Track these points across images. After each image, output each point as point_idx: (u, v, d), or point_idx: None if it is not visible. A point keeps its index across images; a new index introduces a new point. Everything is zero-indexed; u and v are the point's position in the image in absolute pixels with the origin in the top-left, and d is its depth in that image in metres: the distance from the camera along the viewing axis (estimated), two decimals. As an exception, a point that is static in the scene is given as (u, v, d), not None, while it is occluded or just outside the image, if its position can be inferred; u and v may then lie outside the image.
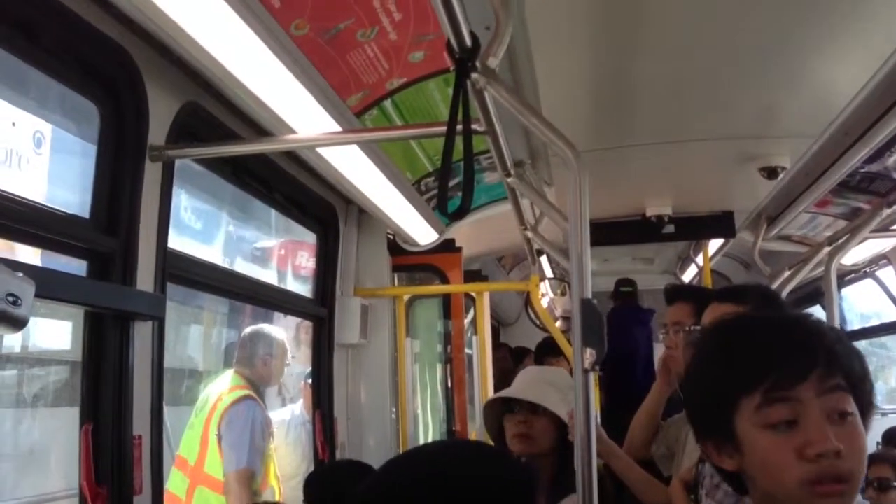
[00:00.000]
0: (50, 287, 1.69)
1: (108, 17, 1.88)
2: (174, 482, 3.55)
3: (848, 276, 5.26)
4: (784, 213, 3.99)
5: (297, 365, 4.59)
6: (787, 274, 4.05)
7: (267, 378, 3.92)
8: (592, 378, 1.60)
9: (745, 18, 2.18)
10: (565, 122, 2.13)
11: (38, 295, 1.49)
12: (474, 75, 1.68)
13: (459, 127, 1.70)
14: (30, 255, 2.02)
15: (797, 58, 2.39)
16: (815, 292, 5.08)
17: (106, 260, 2.00)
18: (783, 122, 2.94)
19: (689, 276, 6.59)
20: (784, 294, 3.93)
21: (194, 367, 5.41)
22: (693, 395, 1.23)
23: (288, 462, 4.12)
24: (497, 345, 6.90)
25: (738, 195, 3.96)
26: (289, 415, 4.41)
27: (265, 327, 4.03)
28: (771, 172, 3.31)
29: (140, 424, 2.04)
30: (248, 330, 4.03)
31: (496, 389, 4.95)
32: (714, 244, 5.16)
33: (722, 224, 4.29)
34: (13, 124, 2.03)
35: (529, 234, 3.45)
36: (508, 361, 6.63)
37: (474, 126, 1.90)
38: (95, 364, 1.99)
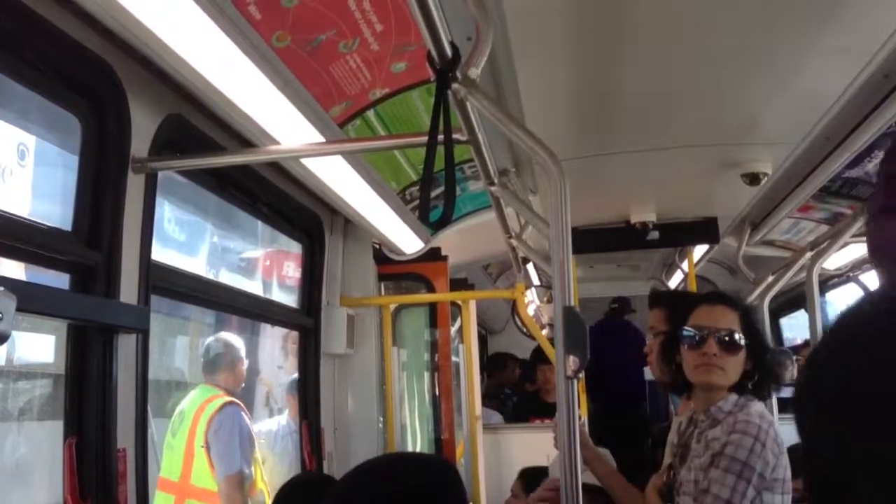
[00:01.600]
0: (32, 301, 1.68)
1: (90, 31, 1.88)
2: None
3: (832, 281, 5.30)
4: (767, 218, 4.02)
5: (285, 375, 4.59)
6: (770, 279, 4.08)
7: (239, 383, 3.98)
8: (576, 384, 1.61)
9: (726, 27, 2.20)
10: (548, 131, 2.15)
11: (19, 309, 1.48)
12: (455, 85, 1.69)
13: (441, 137, 1.71)
14: (14, 268, 2.01)
15: (778, 65, 2.41)
16: (800, 297, 5.12)
17: (89, 273, 2.00)
18: (764, 128, 2.97)
19: (674, 281, 6.61)
20: (768, 298, 3.96)
21: (181, 378, 5.38)
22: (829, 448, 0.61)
23: (275, 472, 4.12)
24: (504, 358, 6.84)
25: (722, 201, 3.99)
26: (276, 426, 4.42)
27: (224, 336, 4.07)
28: (753, 179, 3.34)
29: (124, 437, 2.03)
30: (209, 342, 4.06)
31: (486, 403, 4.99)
32: (699, 250, 5.19)
33: (706, 230, 4.31)
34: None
35: (514, 242, 3.46)
36: (514, 372, 6.59)
37: (456, 136, 1.91)
38: (79, 377, 1.98)
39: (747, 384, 2.16)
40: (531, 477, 3.16)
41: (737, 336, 2.15)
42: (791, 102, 2.68)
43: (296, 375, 3.91)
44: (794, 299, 5.47)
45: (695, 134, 3.06)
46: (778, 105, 2.72)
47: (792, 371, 5.80)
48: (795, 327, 6.72)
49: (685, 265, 5.40)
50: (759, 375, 2.17)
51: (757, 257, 4.82)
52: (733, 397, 2.13)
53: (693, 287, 4.99)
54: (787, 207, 3.60)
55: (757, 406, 2.09)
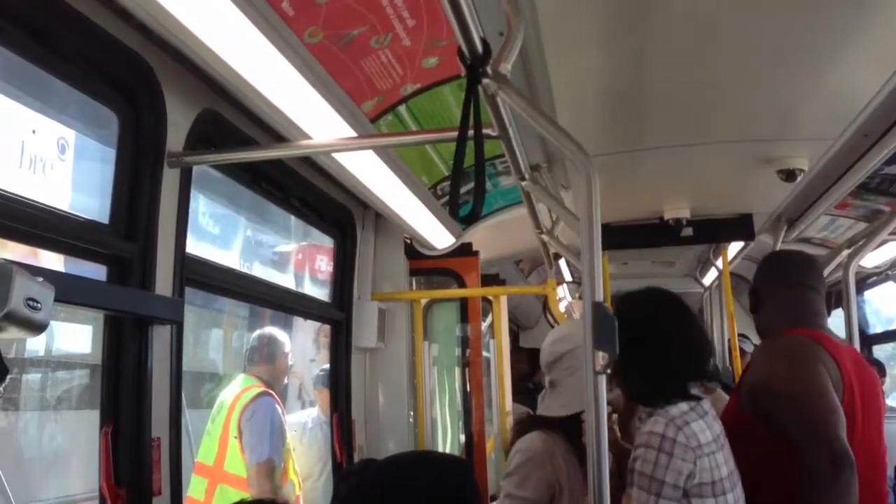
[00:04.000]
0: (70, 291, 1.72)
1: (127, 27, 1.92)
2: (194, 487, 3.60)
3: (870, 279, 5.20)
4: (803, 215, 3.96)
5: (317, 368, 4.64)
6: (806, 277, 4.01)
7: (279, 376, 4.04)
8: (604, 380, 1.61)
9: (761, 21, 2.17)
10: (581, 127, 2.14)
11: (58, 299, 1.52)
12: (486, 81, 1.70)
13: (471, 132, 1.72)
14: (53, 260, 2.06)
15: (815, 59, 2.37)
16: (837, 295, 5.04)
17: (125, 265, 2.04)
18: (801, 124, 2.92)
19: (709, 279, 6.54)
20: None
21: (214, 370, 5.47)
22: None
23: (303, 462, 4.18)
24: (513, 349, 6.90)
25: (757, 198, 3.94)
26: (307, 417, 4.49)
27: (270, 329, 4.14)
28: (789, 175, 3.29)
29: (159, 427, 2.07)
30: (255, 334, 4.13)
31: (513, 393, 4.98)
32: (734, 247, 5.13)
33: (741, 227, 4.26)
34: (33, 132, 2.07)
35: (545, 237, 3.45)
36: (524, 365, 6.61)
37: (487, 131, 1.91)
38: (115, 367, 2.02)
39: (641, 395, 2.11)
40: None
41: None
42: (828, 98, 2.64)
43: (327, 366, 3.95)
44: (831, 297, 5.37)
45: (729, 129, 3.02)
46: (815, 100, 2.68)
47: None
48: (832, 326, 6.61)
49: (720, 262, 5.34)
50: (637, 379, 2.11)
51: (794, 255, 4.74)
52: (659, 411, 2.02)
53: (727, 285, 4.92)
54: (825, 204, 3.54)
55: (669, 412, 1.99)
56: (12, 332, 1.42)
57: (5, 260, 1.43)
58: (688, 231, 4.16)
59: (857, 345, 3.13)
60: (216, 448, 3.63)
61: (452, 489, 1.37)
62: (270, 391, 3.78)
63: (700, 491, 1.92)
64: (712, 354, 2.21)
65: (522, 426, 2.56)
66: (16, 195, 1.71)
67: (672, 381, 2.06)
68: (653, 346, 2.08)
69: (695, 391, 2.08)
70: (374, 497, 1.35)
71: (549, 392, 2.50)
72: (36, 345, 3.73)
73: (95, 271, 2.03)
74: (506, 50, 1.69)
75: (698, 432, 1.96)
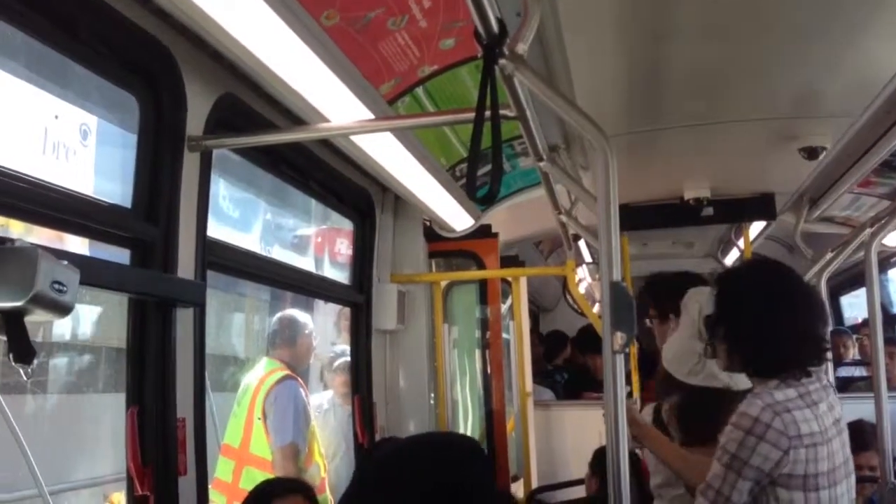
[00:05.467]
0: (94, 274, 1.75)
1: (146, 12, 1.93)
2: (221, 469, 3.65)
3: (894, 258, 5.14)
4: (826, 194, 3.92)
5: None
6: (828, 256, 3.98)
7: (302, 358, 4.05)
8: (622, 360, 1.61)
9: (783, -3, 2.15)
10: (599, 106, 2.13)
11: (82, 282, 1.54)
12: (503, 61, 1.69)
13: (488, 113, 1.71)
14: (77, 244, 2.09)
15: (837, 36, 2.35)
16: (861, 275, 4.99)
17: (148, 248, 2.06)
18: (823, 101, 2.89)
19: (730, 259, 6.49)
20: (826, 276, 3.87)
21: (238, 353, 5.52)
22: None
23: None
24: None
25: (779, 176, 3.90)
26: (320, 399, 4.53)
27: (292, 312, 4.15)
28: (811, 153, 3.26)
29: (183, 407, 2.11)
30: (277, 317, 4.16)
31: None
32: (756, 227, 5.08)
33: (762, 206, 4.22)
34: (56, 117, 2.10)
35: (564, 218, 3.45)
36: (539, 348, 6.62)
37: (504, 112, 1.91)
38: (140, 349, 2.06)
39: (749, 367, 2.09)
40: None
41: None
42: (851, 74, 2.60)
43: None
44: (855, 277, 5.32)
45: (750, 107, 2.99)
46: (837, 77, 2.65)
47: (853, 350, 5.67)
48: (857, 306, 6.57)
49: (741, 242, 5.29)
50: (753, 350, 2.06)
51: (817, 234, 4.70)
52: (762, 394, 1.98)
53: (749, 265, 4.88)
54: (847, 182, 3.50)
55: (773, 395, 1.93)
56: (39, 314, 1.45)
57: (31, 244, 1.46)
58: (708, 211, 4.13)
59: (879, 324, 3.10)
60: (242, 430, 3.68)
61: (459, 472, 1.35)
62: (294, 374, 3.81)
63: (788, 482, 1.88)
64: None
65: None
66: (40, 180, 1.74)
67: (794, 353, 2.01)
68: (779, 316, 2.04)
69: (812, 378, 2.00)
70: (379, 492, 1.33)
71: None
72: (63, 329, 3.80)
73: (119, 255, 2.06)
74: (523, 30, 1.68)
75: (800, 421, 1.89)
